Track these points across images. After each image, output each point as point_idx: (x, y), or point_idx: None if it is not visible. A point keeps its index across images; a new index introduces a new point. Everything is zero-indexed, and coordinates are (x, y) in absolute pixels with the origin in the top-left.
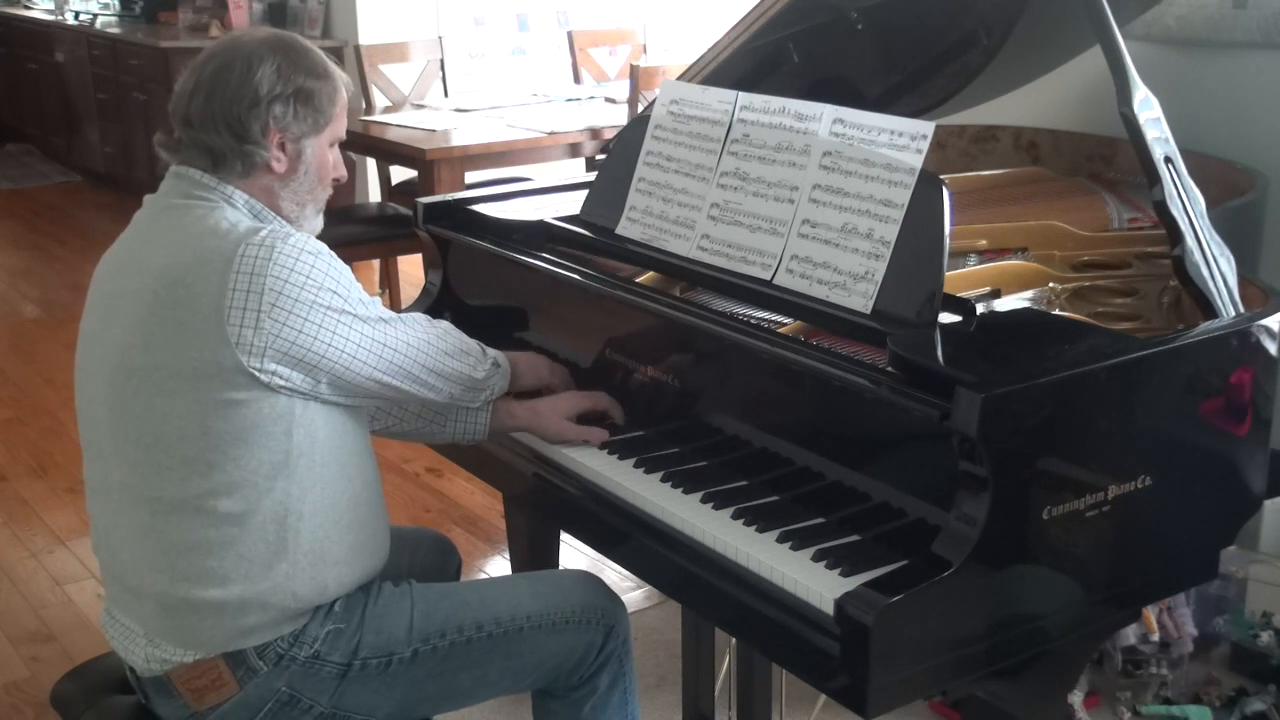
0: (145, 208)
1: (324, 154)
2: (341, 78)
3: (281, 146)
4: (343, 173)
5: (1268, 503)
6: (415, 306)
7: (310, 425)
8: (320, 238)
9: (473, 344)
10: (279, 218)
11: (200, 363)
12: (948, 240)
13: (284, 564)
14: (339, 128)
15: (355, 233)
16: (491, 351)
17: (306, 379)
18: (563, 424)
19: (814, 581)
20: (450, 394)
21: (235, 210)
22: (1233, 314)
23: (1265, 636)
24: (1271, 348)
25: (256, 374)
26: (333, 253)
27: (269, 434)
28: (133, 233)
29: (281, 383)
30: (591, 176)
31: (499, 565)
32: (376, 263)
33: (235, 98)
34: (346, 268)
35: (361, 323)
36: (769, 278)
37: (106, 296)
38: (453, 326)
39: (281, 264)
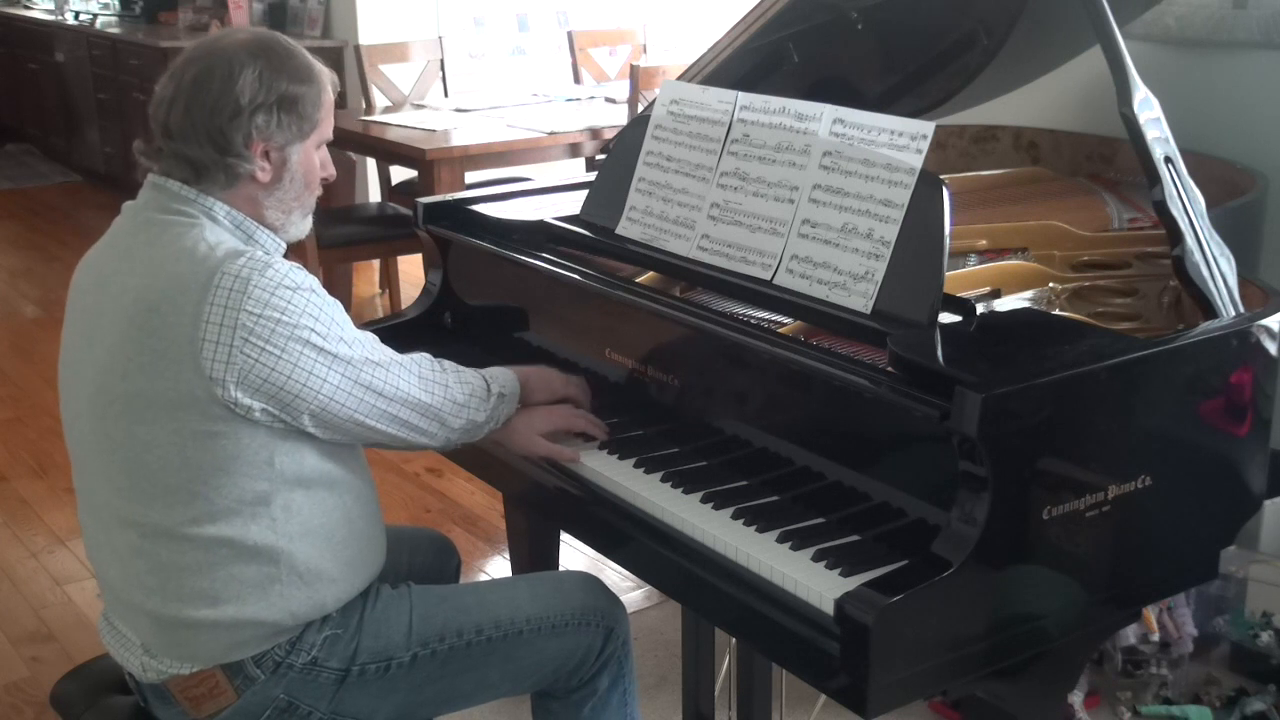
0: (124, 216)
1: (310, 159)
2: (327, 77)
3: (266, 156)
4: (331, 172)
5: (1268, 503)
6: (415, 306)
7: (296, 452)
8: (321, 238)
9: (479, 384)
10: (264, 228)
11: (176, 393)
12: (948, 240)
13: (278, 585)
14: (326, 130)
15: (355, 233)
16: (496, 384)
17: (285, 414)
18: (533, 440)
19: (814, 581)
20: (447, 439)
21: (217, 226)
22: (1233, 314)
23: (1265, 636)
24: (1271, 348)
25: (232, 407)
26: (316, 286)
27: (250, 463)
28: (110, 245)
29: (259, 416)
30: (591, 176)
31: (499, 565)
32: (376, 263)
33: (216, 108)
34: (333, 303)
35: (343, 363)
36: (769, 278)
37: (86, 313)
38: (457, 366)
39: (256, 298)
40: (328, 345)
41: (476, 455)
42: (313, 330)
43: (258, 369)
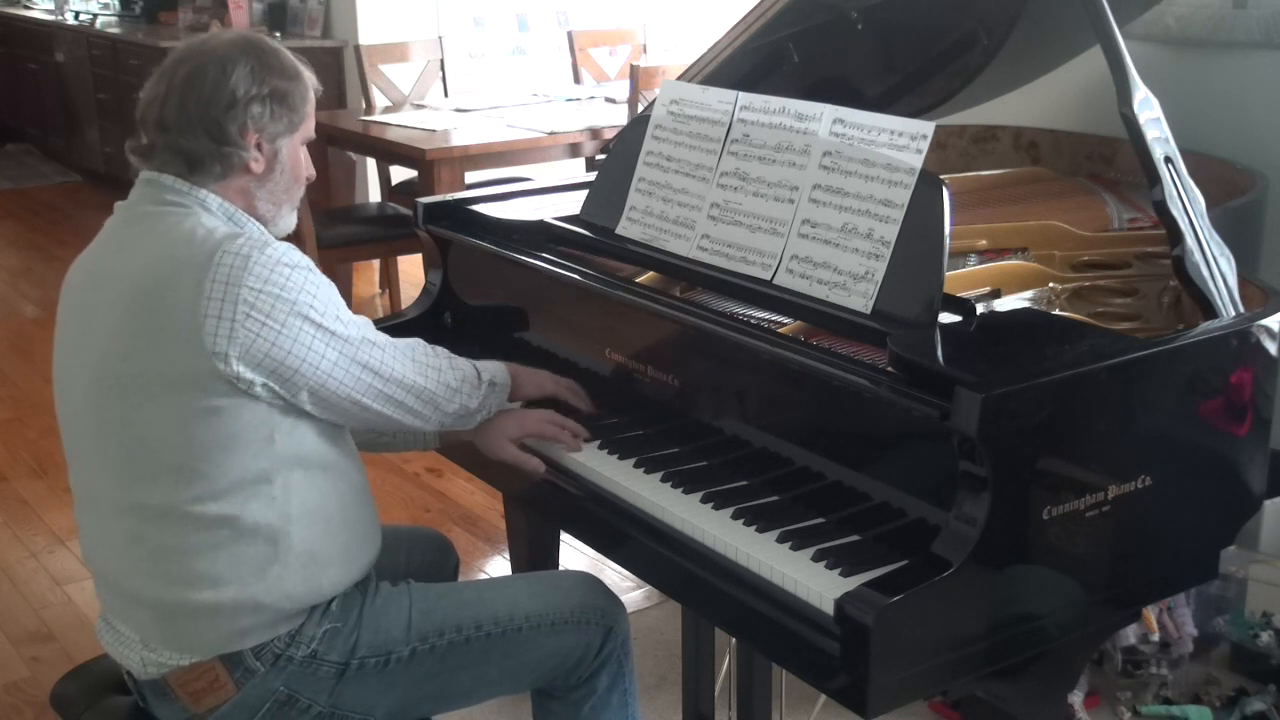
0: (117, 215)
1: (297, 153)
2: (310, 78)
3: (259, 147)
4: (312, 172)
5: (1268, 503)
6: (415, 306)
7: (295, 431)
8: (321, 238)
9: (470, 370)
10: (254, 220)
11: (179, 370)
12: (948, 240)
13: (276, 566)
14: (309, 127)
15: (355, 233)
16: (487, 373)
17: (285, 390)
18: (503, 444)
19: (814, 581)
20: (441, 422)
21: (210, 215)
22: (1233, 314)
23: (1265, 636)
24: (1271, 348)
25: (234, 382)
26: (313, 267)
27: (251, 441)
28: (105, 241)
29: (260, 392)
30: (591, 176)
31: (499, 565)
32: (376, 263)
33: (212, 100)
34: (328, 283)
35: (340, 340)
36: (769, 278)
37: (80, 308)
38: (449, 353)
39: (257, 274)
40: (325, 322)
41: (476, 455)
42: (311, 306)
43: (259, 343)
